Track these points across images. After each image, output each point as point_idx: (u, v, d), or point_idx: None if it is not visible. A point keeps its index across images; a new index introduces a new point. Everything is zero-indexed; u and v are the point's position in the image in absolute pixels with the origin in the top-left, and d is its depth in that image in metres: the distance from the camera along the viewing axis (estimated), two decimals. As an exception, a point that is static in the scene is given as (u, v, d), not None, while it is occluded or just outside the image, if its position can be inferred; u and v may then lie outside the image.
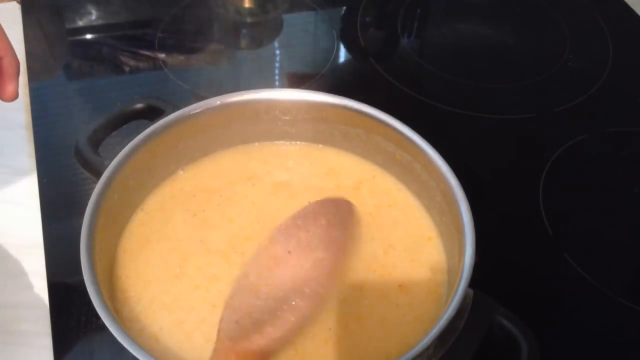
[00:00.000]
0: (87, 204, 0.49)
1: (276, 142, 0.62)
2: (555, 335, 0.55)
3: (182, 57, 0.84)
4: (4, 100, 0.54)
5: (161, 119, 0.55)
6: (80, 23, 0.88)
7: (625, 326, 0.58)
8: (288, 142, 0.62)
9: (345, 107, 0.57)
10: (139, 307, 0.50)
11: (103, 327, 0.42)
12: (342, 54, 0.86)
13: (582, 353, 0.56)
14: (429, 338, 0.42)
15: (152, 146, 0.54)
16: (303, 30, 0.91)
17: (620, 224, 0.66)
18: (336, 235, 0.52)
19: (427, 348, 0.42)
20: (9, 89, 0.53)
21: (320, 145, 0.62)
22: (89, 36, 0.87)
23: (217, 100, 0.57)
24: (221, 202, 0.57)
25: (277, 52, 0.87)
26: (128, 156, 0.52)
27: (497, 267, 0.59)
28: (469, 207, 0.49)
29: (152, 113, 0.57)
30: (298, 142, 0.62)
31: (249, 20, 0.90)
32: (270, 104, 0.58)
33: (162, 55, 0.83)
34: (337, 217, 0.53)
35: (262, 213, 0.56)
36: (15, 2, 0.88)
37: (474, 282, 0.46)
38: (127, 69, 0.82)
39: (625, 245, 0.65)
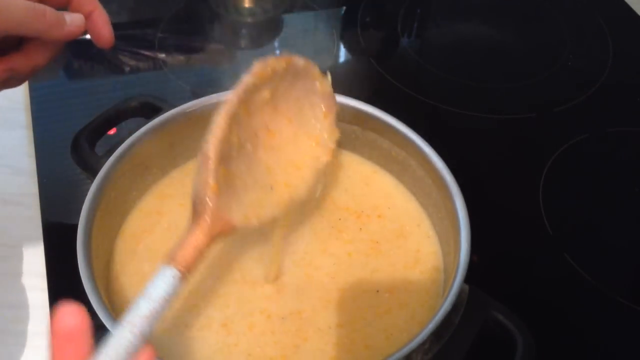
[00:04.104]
0: (87, 204, 0.49)
1: None
2: (555, 335, 0.55)
3: (182, 57, 0.84)
4: (102, 46, 0.55)
5: (158, 116, 0.55)
6: (81, 23, 0.88)
7: (625, 326, 0.58)
8: None
9: (340, 104, 0.56)
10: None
11: (103, 327, 0.42)
12: (342, 54, 0.86)
13: (582, 353, 0.56)
14: (425, 333, 0.42)
15: (149, 143, 0.54)
16: (303, 30, 0.90)
17: (620, 224, 0.66)
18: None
19: (423, 343, 0.42)
20: (105, 33, 0.54)
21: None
22: (89, 36, 0.87)
23: (214, 98, 0.57)
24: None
25: (277, 52, 0.87)
26: (124, 154, 0.52)
27: (497, 267, 0.59)
28: (464, 203, 0.49)
29: (149, 111, 0.57)
30: None
31: (249, 20, 0.90)
32: None
33: (162, 55, 0.83)
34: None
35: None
36: (15, 2, 0.88)
37: (474, 283, 0.46)
38: (127, 69, 0.82)
39: (625, 245, 0.65)
